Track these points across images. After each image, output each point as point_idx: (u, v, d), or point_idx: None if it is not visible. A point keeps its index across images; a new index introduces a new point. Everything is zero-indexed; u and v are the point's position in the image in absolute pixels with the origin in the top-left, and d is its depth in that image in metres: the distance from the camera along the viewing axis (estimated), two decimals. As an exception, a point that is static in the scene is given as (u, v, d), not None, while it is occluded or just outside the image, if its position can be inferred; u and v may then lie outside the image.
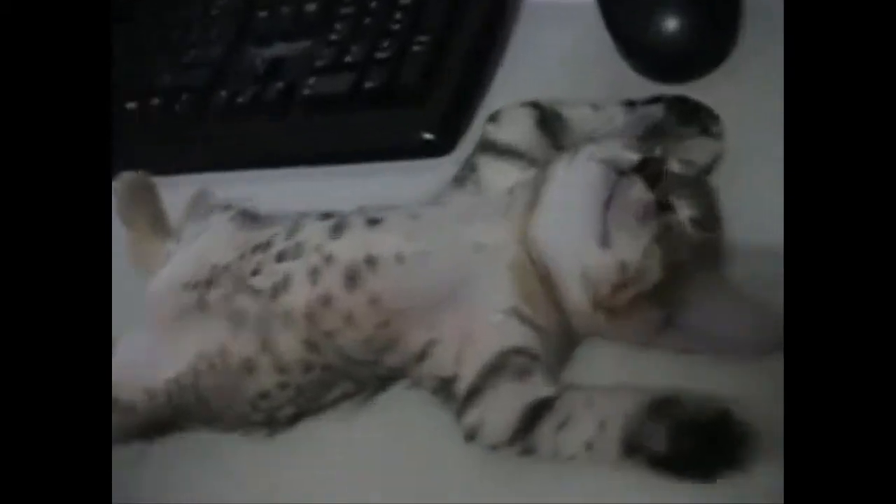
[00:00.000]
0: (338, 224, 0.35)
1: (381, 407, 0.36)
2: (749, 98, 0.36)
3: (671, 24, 0.38)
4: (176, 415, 0.38)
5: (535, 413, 0.30)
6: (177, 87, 0.54)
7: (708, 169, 0.35)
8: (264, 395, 0.36)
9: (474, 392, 0.32)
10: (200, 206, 0.47)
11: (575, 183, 0.31)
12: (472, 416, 0.32)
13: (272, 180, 0.48)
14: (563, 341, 0.32)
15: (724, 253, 0.32)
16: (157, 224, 0.46)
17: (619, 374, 0.31)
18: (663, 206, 0.30)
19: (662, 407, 0.29)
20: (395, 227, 0.34)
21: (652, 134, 0.34)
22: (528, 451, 0.31)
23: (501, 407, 0.31)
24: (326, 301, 0.33)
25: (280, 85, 0.49)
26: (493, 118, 0.37)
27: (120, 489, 0.40)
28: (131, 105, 0.56)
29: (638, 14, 0.39)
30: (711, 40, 0.39)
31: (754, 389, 0.29)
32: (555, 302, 0.32)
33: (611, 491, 0.29)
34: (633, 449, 0.29)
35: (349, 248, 0.34)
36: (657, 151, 0.31)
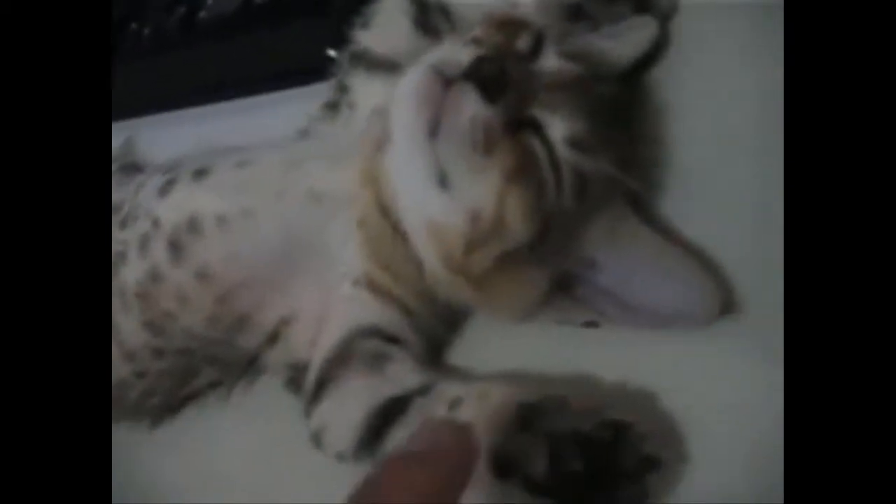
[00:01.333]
0: (170, 180, 0.28)
1: (253, 394, 0.30)
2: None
3: None
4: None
5: (385, 417, 0.23)
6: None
7: (644, 60, 0.25)
8: (122, 385, 0.30)
9: (321, 385, 0.25)
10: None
11: (402, 99, 0.22)
12: (316, 418, 0.25)
13: (179, 121, 0.41)
14: (434, 317, 0.25)
15: (633, 188, 0.23)
16: None
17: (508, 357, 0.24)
18: (521, 122, 0.21)
19: (535, 413, 0.21)
20: (218, 183, 0.27)
21: (571, 17, 0.25)
22: (376, 457, 0.24)
23: (346, 407, 0.24)
24: (156, 277, 0.27)
25: (182, 11, 0.42)
26: (364, 22, 0.29)
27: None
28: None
29: None
30: None
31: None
32: (416, 266, 0.24)
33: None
34: (505, 468, 0.21)
35: (173, 209, 0.27)
36: (521, 44, 0.22)
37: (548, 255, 0.22)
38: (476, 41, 0.22)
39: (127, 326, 0.28)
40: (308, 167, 0.26)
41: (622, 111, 0.24)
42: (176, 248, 0.26)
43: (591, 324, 0.23)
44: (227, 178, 0.27)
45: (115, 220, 0.30)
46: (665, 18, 0.26)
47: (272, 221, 0.26)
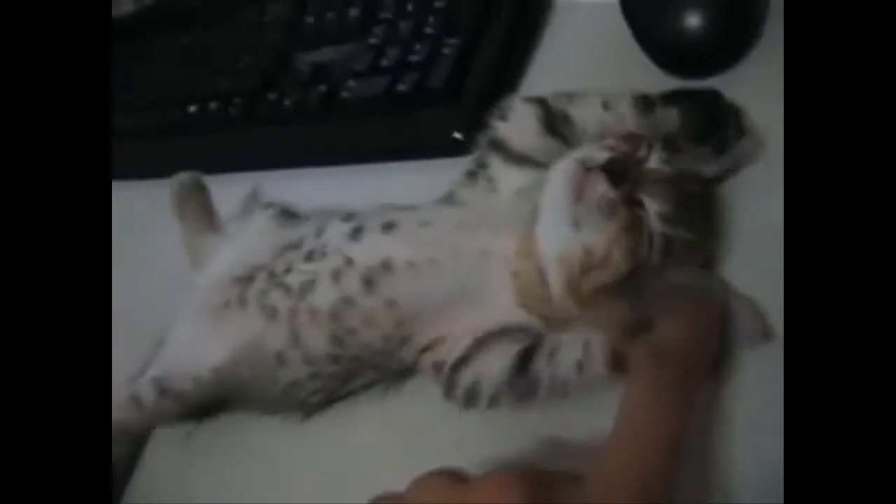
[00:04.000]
0: (356, 228, 0.37)
1: (402, 394, 0.38)
2: (766, 96, 0.36)
3: (691, 19, 0.38)
4: (220, 400, 0.41)
5: (528, 353, 0.33)
6: (230, 91, 0.58)
7: (716, 179, 0.35)
8: (295, 384, 0.38)
9: (463, 360, 0.34)
10: (250, 205, 0.50)
11: (556, 177, 0.33)
12: (465, 378, 0.33)
13: (314, 179, 0.50)
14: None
15: (706, 253, 0.33)
16: (207, 219, 0.49)
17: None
18: (632, 201, 0.31)
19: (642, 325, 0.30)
20: (407, 236, 0.36)
21: (664, 146, 0.34)
22: (529, 391, 0.32)
23: (494, 359, 0.33)
24: (348, 302, 0.36)
25: (322, 89, 0.51)
26: (501, 114, 0.37)
27: (169, 468, 0.44)
28: (192, 108, 0.60)
29: (658, 9, 0.39)
30: (731, 36, 0.38)
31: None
32: (547, 299, 0.33)
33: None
34: (619, 365, 0.31)
35: (367, 253, 0.36)
36: (641, 152, 0.32)
37: (635, 294, 0.31)
38: (609, 147, 0.32)
39: (313, 338, 0.37)
40: (476, 232, 0.35)
41: (700, 201, 0.33)
42: (369, 282, 0.35)
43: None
44: (413, 234, 0.36)
45: (297, 253, 0.39)
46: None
47: (451, 270, 0.34)
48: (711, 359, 0.30)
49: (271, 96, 0.54)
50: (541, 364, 0.32)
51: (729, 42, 0.39)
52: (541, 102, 0.37)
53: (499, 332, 0.34)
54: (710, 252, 0.33)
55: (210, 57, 0.63)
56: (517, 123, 0.37)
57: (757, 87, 0.37)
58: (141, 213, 0.59)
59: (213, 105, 0.58)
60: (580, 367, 0.32)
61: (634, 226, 0.31)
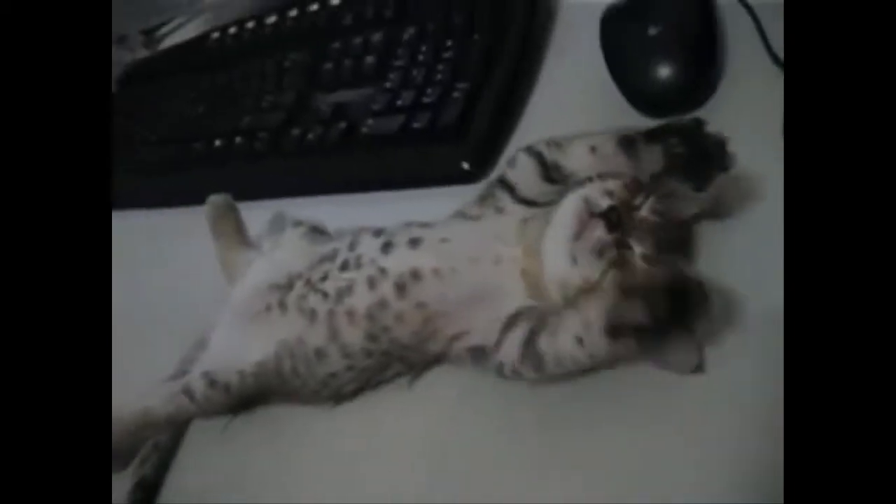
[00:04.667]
0: (386, 243, 0.43)
1: (424, 384, 0.44)
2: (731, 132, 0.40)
3: (663, 70, 0.46)
4: (260, 392, 0.47)
5: (534, 333, 0.38)
6: (255, 127, 0.64)
7: (694, 218, 0.40)
8: (333, 375, 0.44)
9: (499, 343, 0.40)
10: (278, 225, 0.56)
11: (563, 212, 0.39)
12: (497, 357, 0.40)
13: (336, 203, 0.57)
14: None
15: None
16: (239, 236, 0.55)
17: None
18: (621, 244, 0.37)
19: (631, 290, 0.36)
20: (431, 250, 0.42)
21: (650, 182, 0.39)
22: (537, 366, 0.38)
23: (512, 339, 0.39)
24: (382, 305, 0.42)
25: (343, 125, 0.58)
26: (511, 162, 0.44)
27: (208, 457, 0.50)
28: (218, 142, 0.66)
29: (635, 60, 0.47)
30: (696, 82, 0.46)
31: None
32: (548, 297, 0.40)
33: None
34: (616, 331, 0.36)
35: (397, 264, 0.42)
36: (637, 200, 0.38)
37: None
38: (609, 193, 0.38)
39: (351, 336, 0.43)
40: (489, 243, 0.41)
41: (676, 245, 0.39)
42: (401, 288, 0.41)
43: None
44: (436, 248, 0.42)
45: (332, 264, 0.45)
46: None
47: (471, 276, 0.41)
48: None
49: (295, 131, 0.61)
50: (544, 342, 0.38)
51: (694, 88, 0.47)
52: (538, 155, 0.42)
53: (515, 315, 0.40)
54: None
55: (232, 97, 0.70)
56: (521, 172, 0.43)
57: (721, 126, 0.42)
58: (165, 237, 0.66)
59: (238, 139, 0.65)
60: (580, 341, 0.37)
61: (622, 263, 0.37)
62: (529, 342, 0.38)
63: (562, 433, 0.39)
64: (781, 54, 0.45)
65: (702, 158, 0.37)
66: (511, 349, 0.39)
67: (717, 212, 0.40)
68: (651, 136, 0.39)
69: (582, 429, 0.39)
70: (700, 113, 0.46)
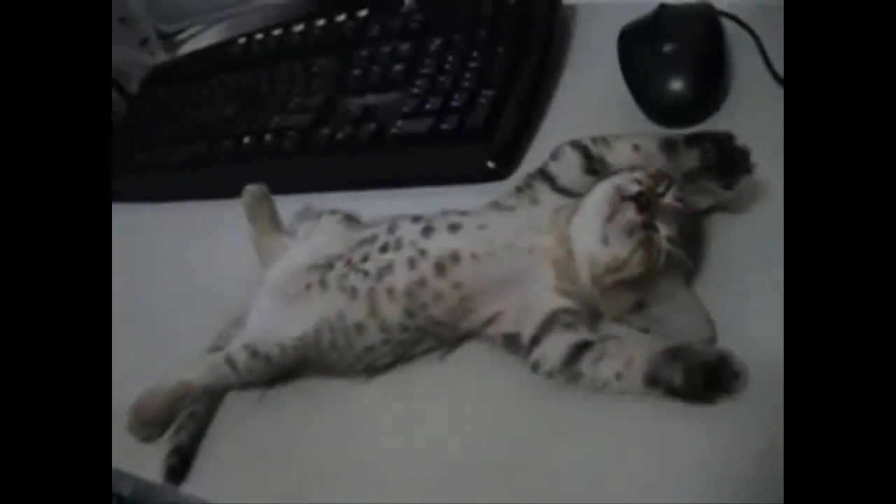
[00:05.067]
0: (427, 227, 0.47)
1: (455, 358, 0.48)
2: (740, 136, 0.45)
3: (676, 84, 0.51)
4: (298, 365, 0.50)
5: (579, 350, 0.42)
6: (284, 126, 0.68)
7: (709, 210, 0.46)
8: (370, 349, 0.48)
9: (535, 340, 0.44)
10: (305, 216, 0.60)
11: (595, 197, 0.43)
12: (535, 355, 0.44)
13: (361, 199, 0.61)
14: (589, 308, 0.44)
15: (692, 269, 0.44)
16: (274, 223, 0.58)
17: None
18: (649, 226, 0.41)
19: (678, 352, 0.40)
20: (470, 235, 0.46)
21: (685, 178, 0.44)
22: (574, 378, 0.42)
23: (555, 346, 0.43)
24: (422, 283, 0.46)
25: (372, 126, 0.62)
26: (554, 155, 0.48)
27: (243, 427, 0.53)
28: (247, 140, 0.70)
29: (650, 75, 0.52)
30: (707, 94, 0.52)
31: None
32: (579, 281, 0.44)
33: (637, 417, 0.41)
34: (654, 381, 0.40)
35: (438, 246, 0.46)
36: (661, 188, 0.42)
37: (639, 287, 0.42)
38: (638, 181, 0.42)
39: (390, 311, 0.46)
40: (524, 233, 0.45)
41: (693, 232, 0.44)
42: (440, 268, 0.45)
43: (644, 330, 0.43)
44: (474, 233, 0.46)
45: (372, 246, 0.49)
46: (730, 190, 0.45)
47: (506, 260, 0.45)
48: None
49: (325, 131, 0.65)
50: (586, 365, 0.42)
51: (703, 101, 0.52)
52: (583, 148, 0.47)
53: (552, 318, 0.44)
54: (692, 269, 0.44)
55: (260, 98, 0.74)
56: (564, 164, 0.47)
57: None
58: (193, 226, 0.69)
59: (268, 137, 0.68)
60: (619, 376, 0.41)
61: (649, 243, 0.41)
62: (573, 359, 0.42)
63: (591, 402, 0.42)
64: (778, 71, 0.50)
65: (730, 163, 0.43)
66: (552, 355, 0.43)
67: (728, 207, 0.46)
68: (690, 140, 0.45)
69: (610, 399, 0.42)
70: (708, 123, 0.52)
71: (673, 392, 0.40)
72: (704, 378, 0.39)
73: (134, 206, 0.76)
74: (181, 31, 0.99)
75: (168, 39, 0.99)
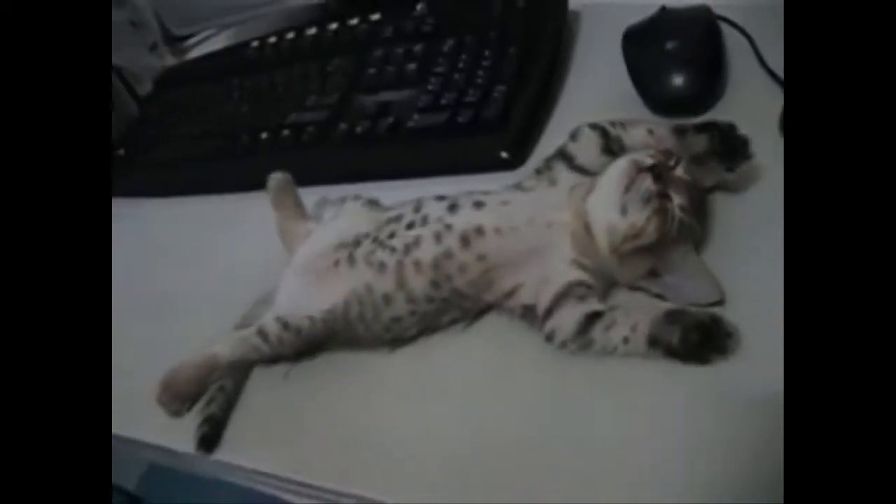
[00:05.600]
0: (452, 203, 0.51)
1: (477, 328, 0.52)
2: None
3: (678, 79, 0.56)
4: (326, 337, 0.53)
5: (590, 320, 0.46)
6: (301, 122, 0.72)
7: (712, 189, 0.50)
8: (397, 320, 0.51)
9: (550, 311, 0.47)
10: (324, 205, 0.63)
11: (612, 171, 0.47)
12: (549, 325, 0.47)
13: (379, 189, 0.64)
14: (604, 279, 0.48)
15: (700, 237, 0.48)
16: (298, 209, 0.61)
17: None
18: (663, 195, 0.45)
19: (676, 314, 0.44)
20: (494, 211, 0.50)
21: (693, 160, 0.48)
22: (586, 346, 0.46)
23: (569, 317, 0.46)
24: (448, 255, 0.49)
25: (390, 120, 0.66)
26: (573, 136, 0.52)
27: (272, 400, 0.55)
28: (264, 135, 0.73)
29: (654, 70, 0.57)
30: (706, 89, 0.56)
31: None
32: (596, 253, 0.47)
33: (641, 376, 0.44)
34: (655, 342, 0.44)
35: (463, 221, 0.49)
36: (671, 162, 0.47)
37: (655, 253, 0.46)
38: (652, 156, 0.47)
39: (416, 283, 0.49)
40: (543, 209, 0.49)
41: (701, 202, 0.48)
42: (465, 241, 0.49)
43: (658, 296, 0.47)
44: (497, 209, 0.49)
45: (399, 224, 0.52)
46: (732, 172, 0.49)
47: (527, 235, 0.48)
48: None
49: (342, 125, 0.68)
50: (597, 333, 0.46)
51: (702, 95, 0.56)
52: (602, 129, 0.51)
53: (567, 290, 0.47)
54: (700, 236, 0.48)
55: (276, 97, 0.77)
56: (583, 144, 0.51)
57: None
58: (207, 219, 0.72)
59: (285, 133, 0.72)
60: (626, 340, 0.44)
61: (664, 211, 0.45)
62: (585, 328, 0.46)
63: (610, 368, 0.45)
64: (772, 69, 0.55)
65: (733, 149, 0.48)
66: (566, 325, 0.46)
67: (729, 187, 0.50)
68: (699, 128, 0.49)
69: (629, 366, 0.45)
70: (707, 116, 0.56)
71: (671, 352, 0.43)
72: (699, 336, 0.43)
73: (143, 202, 0.79)
74: (190, 35, 1.03)
75: (177, 44, 1.03)
